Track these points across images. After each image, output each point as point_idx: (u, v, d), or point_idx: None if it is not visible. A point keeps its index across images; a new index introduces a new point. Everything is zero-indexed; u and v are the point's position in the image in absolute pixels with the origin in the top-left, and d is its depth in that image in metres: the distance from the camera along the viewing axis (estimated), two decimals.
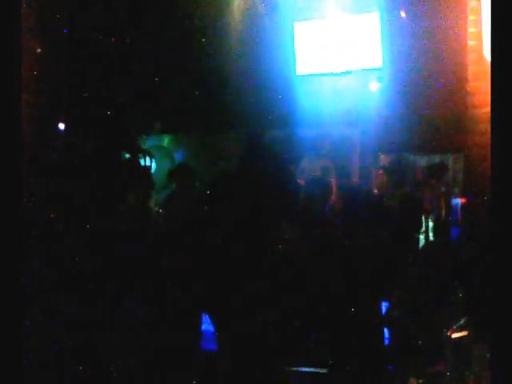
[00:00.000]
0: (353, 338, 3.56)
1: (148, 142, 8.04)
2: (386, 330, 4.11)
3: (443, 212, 6.38)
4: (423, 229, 6.25)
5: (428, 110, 6.62)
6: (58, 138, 5.68)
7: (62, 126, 5.77)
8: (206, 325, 3.74)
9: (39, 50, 5.60)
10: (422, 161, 7.31)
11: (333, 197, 5.80)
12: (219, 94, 7.42)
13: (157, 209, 5.34)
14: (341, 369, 3.62)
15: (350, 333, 3.56)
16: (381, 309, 3.99)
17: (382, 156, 7.25)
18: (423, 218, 6.30)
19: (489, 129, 5.00)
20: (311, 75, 7.22)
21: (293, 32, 7.16)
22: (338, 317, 3.64)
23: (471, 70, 5.32)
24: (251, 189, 4.33)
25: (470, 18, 5.25)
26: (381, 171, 6.59)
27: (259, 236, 3.84)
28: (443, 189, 6.58)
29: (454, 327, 3.94)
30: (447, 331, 3.91)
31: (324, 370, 3.90)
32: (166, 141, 8.66)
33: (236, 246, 3.66)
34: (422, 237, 6.15)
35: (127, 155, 5.54)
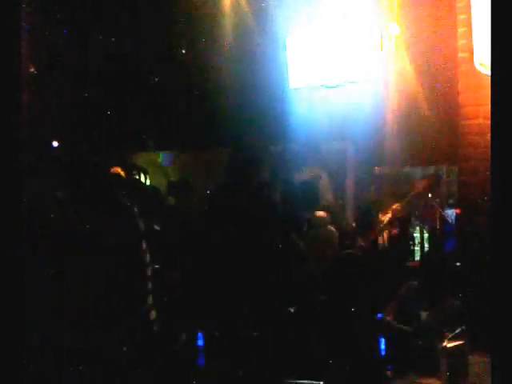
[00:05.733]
0: (348, 346, 3.54)
1: (142, 159, 8.08)
2: (381, 341, 4.09)
3: (438, 223, 6.39)
4: (418, 240, 6.26)
5: (420, 122, 6.64)
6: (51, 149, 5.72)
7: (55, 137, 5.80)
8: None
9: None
10: (416, 173, 7.34)
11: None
12: (211, 109, 7.45)
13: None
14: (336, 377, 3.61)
15: (345, 340, 3.55)
16: (376, 318, 3.98)
17: (376, 169, 7.27)
18: (418, 229, 6.32)
19: (481, 141, 5.04)
20: (304, 88, 7.26)
21: (285, 45, 7.21)
22: (333, 325, 3.63)
23: (462, 82, 5.33)
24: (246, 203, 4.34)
25: (461, 29, 5.27)
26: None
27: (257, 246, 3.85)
28: (438, 200, 6.60)
29: (450, 336, 3.92)
30: (443, 341, 3.89)
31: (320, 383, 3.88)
32: (159, 157, 8.71)
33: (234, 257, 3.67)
34: (417, 248, 6.16)
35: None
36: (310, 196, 5.57)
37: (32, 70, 5.58)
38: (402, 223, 5.86)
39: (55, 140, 5.79)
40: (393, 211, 6.08)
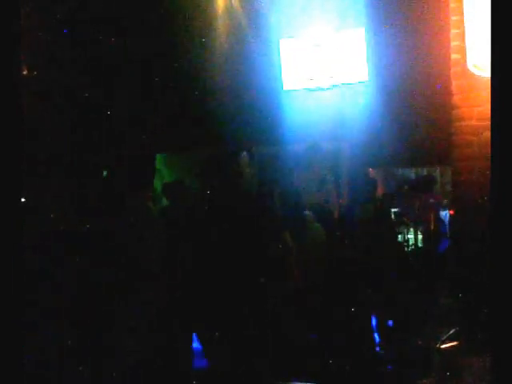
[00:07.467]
0: (344, 347, 3.55)
1: None
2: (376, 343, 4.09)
3: (432, 224, 6.41)
4: (413, 241, 6.28)
5: (414, 123, 6.68)
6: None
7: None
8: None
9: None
10: (410, 174, 7.38)
11: None
12: (206, 111, 7.45)
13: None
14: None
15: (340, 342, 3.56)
16: (371, 319, 3.98)
17: (370, 170, 7.29)
18: (413, 230, 6.34)
19: (475, 141, 5.06)
20: (298, 90, 7.29)
21: (279, 48, 7.23)
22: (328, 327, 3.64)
23: (455, 83, 5.35)
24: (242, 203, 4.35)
25: (453, 31, 5.28)
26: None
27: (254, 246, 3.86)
28: (432, 201, 6.62)
29: (444, 338, 3.94)
30: (437, 342, 3.91)
31: None
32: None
33: (231, 256, 3.68)
34: (411, 248, 6.18)
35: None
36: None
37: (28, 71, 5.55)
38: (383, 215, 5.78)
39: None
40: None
